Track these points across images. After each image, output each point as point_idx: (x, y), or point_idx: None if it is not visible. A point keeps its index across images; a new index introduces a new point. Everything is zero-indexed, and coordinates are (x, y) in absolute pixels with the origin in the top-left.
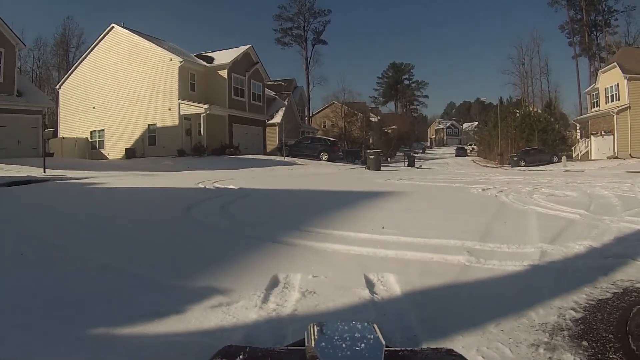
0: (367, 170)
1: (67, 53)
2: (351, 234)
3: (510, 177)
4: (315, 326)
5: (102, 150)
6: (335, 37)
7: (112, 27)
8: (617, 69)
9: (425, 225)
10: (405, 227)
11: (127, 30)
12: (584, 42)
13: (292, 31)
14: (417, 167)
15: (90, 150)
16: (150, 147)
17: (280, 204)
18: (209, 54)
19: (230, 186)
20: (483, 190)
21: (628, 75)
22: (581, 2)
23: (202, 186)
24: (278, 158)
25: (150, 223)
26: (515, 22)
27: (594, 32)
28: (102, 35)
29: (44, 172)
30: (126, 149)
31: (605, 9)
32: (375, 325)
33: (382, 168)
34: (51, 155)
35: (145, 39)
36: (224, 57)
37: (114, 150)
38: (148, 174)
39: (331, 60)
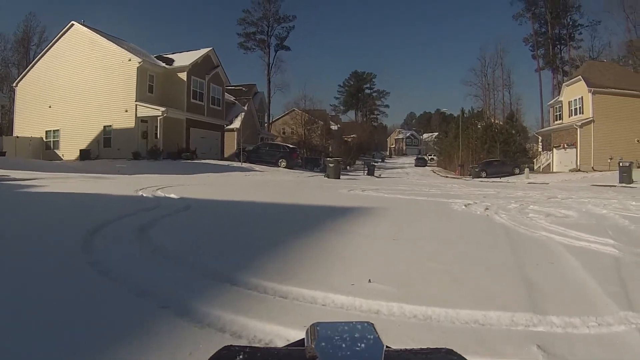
0: (326, 178)
1: (28, 50)
2: (320, 295)
3: (481, 190)
4: (314, 326)
5: (56, 151)
6: (298, 44)
7: (72, 25)
8: (582, 82)
9: (430, 272)
10: (402, 276)
11: (86, 29)
12: (548, 55)
13: (255, 36)
14: (376, 176)
15: (45, 151)
16: (105, 149)
17: (222, 225)
18: (169, 56)
19: (172, 195)
20: (466, 206)
21: (593, 89)
22: (546, 15)
23: (141, 194)
24: (235, 164)
25: (18, 260)
26: (478, 34)
27: (558, 46)
28: (61, 33)
29: None
30: (81, 150)
31: (570, 23)
32: (374, 325)
33: (341, 176)
34: (3, 154)
35: (105, 37)
36: (184, 59)
37: (69, 151)
38: (96, 176)
39: (293, 66)
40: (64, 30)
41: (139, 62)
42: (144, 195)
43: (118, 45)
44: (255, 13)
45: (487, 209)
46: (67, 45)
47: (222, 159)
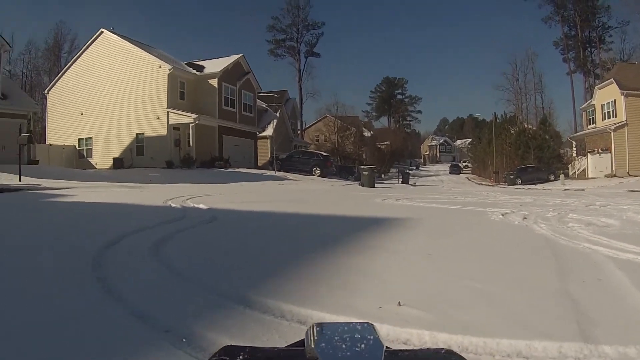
0: (360, 187)
1: (59, 58)
2: (343, 320)
3: (518, 198)
4: (315, 327)
5: (89, 160)
6: (328, 50)
7: (102, 32)
8: (614, 85)
9: (467, 293)
10: (435, 298)
11: (116, 36)
12: (579, 59)
13: (285, 43)
14: (411, 185)
15: (78, 159)
16: (138, 157)
17: (246, 239)
18: (200, 63)
19: (201, 205)
20: (503, 215)
21: (625, 92)
22: (575, 18)
23: (170, 204)
24: (269, 172)
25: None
26: (509, 38)
27: (589, 49)
28: (91, 40)
29: (20, 180)
30: (114, 158)
31: (599, 25)
32: (374, 326)
33: (376, 185)
34: (36, 162)
35: (135, 44)
36: (214, 66)
37: (102, 159)
38: (128, 186)
39: (324, 73)
40: (94, 37)
41: (169, 69)
42: (172, 205)
43: (148, 52)
44: (284, 20)
45: (525, 218)
46: (97, 53)
47: (256, 167)
